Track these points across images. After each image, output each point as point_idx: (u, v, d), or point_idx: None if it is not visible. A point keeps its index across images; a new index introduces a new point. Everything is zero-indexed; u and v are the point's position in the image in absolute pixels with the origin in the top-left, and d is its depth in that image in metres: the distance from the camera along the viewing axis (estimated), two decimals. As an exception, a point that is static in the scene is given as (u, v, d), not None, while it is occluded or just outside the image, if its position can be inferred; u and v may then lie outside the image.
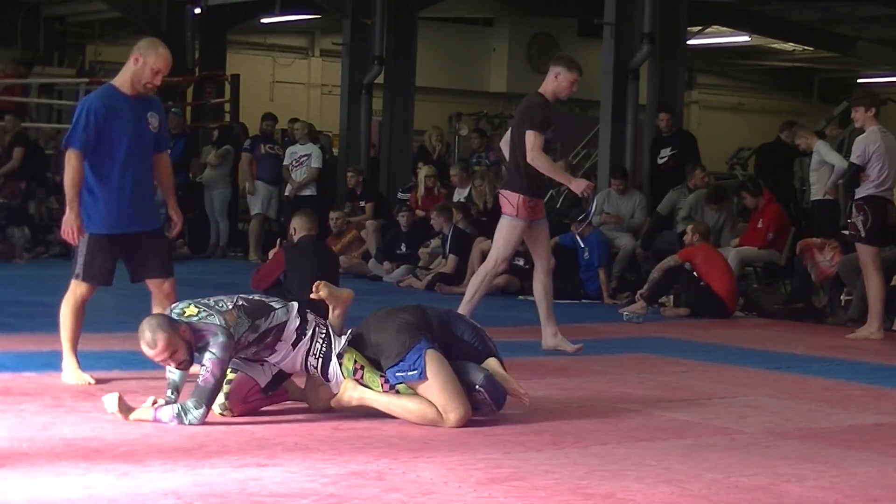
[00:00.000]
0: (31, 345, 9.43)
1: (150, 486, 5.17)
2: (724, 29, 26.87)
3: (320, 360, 6.88)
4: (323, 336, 6.93)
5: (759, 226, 14.64)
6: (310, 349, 6.88)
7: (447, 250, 16.08)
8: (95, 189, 7.91)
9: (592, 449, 6.27)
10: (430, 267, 16.55)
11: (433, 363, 6.72)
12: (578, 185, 10.23)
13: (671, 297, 14.22)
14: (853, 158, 11.77)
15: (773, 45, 30.03)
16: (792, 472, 5.86)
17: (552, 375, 8.77)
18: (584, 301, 15.07)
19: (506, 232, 10.06)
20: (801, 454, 6.32)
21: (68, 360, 7.98)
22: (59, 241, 18.82)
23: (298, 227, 10.72)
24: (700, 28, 25.65)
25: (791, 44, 29.35)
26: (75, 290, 8.08)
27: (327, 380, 6.92)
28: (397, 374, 6.77)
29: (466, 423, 6.67)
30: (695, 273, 13.75)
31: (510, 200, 10.02)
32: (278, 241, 11.31)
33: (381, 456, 5.87)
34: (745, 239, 14.85)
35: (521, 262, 15.59)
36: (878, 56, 28.76)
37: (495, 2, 27.04)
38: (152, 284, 8.21)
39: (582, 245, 15.15)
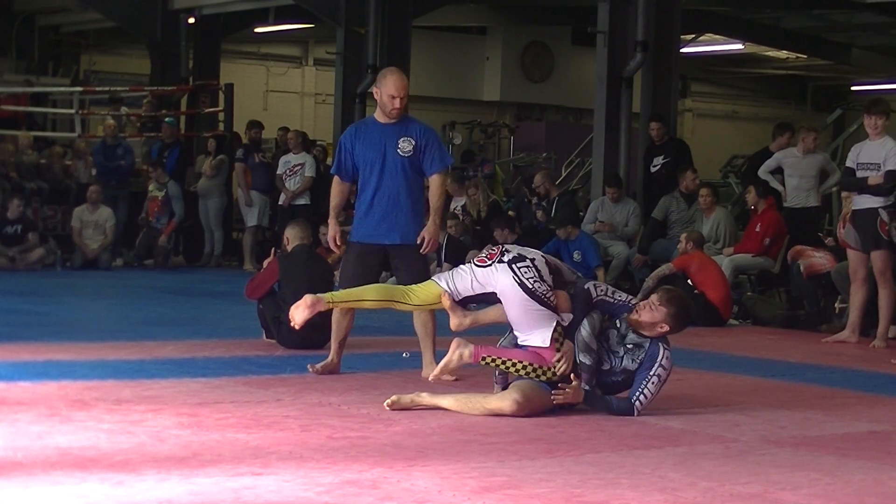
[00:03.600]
0: (26, 354, 9.42)
1: (144, 495, 5.17)
2: (718, 37, 26.91)
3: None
4: None
5: (757, 229, 14.64)
6: None
7: (442, 259, 16.09)
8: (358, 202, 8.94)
9: (587, 457, 6.27)
10: (424, 276, 16.54)
11: None
12: None
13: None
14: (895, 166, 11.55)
15: (766, 53, 30.07)
16: (786, 480, 5.87)
17: (547, 384, 8.77)
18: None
19: None
20: (796, 462, 6.32)
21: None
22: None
23: (292, 237, 10.70)
24: (693, 36, 25.69)
25: (785, 52, 29.40)
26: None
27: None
28: None
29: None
30: (689, 281, 13.76)
31: None
32: (272, 251, 11.30)
33: (375, 464, 5.87)
34: (742, 242, 14.90)
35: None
36: (872, 64, 28.79)
37: (489, 11, 27.07)
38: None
39: (568, 248, 15.25)
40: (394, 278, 9.24)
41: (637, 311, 7.46)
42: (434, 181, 8.91)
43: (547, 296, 7.25)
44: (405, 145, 8.76)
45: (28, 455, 5.88)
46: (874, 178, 11.46)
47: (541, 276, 7.24)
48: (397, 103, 8.70)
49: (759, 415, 7.77)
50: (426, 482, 5.57)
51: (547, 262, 7.39)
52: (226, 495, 5.22)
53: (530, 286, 7.19)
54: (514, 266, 7.23)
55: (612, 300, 7.51)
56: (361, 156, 8.84)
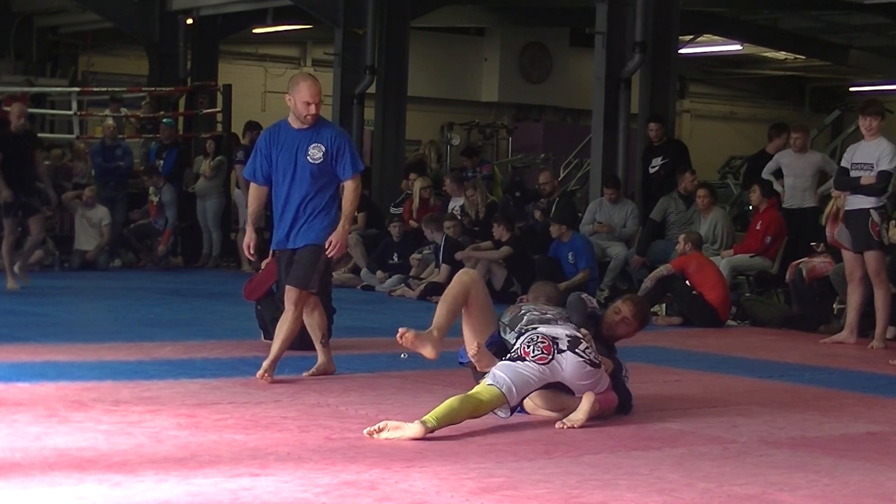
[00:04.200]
0: (24, 355, 9.42)
1: (142, 497, 5.17)
2: (716, 38, 26.90)
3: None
4: None
5: (758, 227, 14.64)
6: None
7: (440, 260, 16.09)
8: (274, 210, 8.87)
9: (585, 458, 6.28)
10: (422, 276, 16.54)
11: None
12: None
13: (664, 306, 14.22)
14: (888, 166, 11.52)
15: (764, 54, 30.06)
16: (785, 481, 5.87)
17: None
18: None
19: None
20: (794, 463, 6.33)
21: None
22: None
23: (290, 237, 10.68)
24: (692, 37, 25.67)
25: (783, 52, 29.38)
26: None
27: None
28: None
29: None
30: (687, 282, 13.76)
31: None
32: (270, 252, 11.29)
33: (373, 465, 5.87)
34: (743, 241, 14.91)
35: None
36: (870, 65, 28.78)
37: (487, 12, 27.05)
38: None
39: (563, 250, 15.29)
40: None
41: (610, 328, 7.77)
42: (347, 186, 8.78)
43: (599, 359, 7.40)
44: (315, 152, 8.65)
45: (26, 456, 5.88)
46: (866, 177, 11.49)
47: (591, 343, 7.34)
48: (312, 109, 8.61)
49: (757, 416, 7.78)
50: (424, 483, 5.57)
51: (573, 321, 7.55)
52: (224, 496, 5.22)
53: (597, 360, 7.30)
54: (577, 350, 7.21)
55: (600, 313, 7.91)
56: (276, 162, 8.77)
